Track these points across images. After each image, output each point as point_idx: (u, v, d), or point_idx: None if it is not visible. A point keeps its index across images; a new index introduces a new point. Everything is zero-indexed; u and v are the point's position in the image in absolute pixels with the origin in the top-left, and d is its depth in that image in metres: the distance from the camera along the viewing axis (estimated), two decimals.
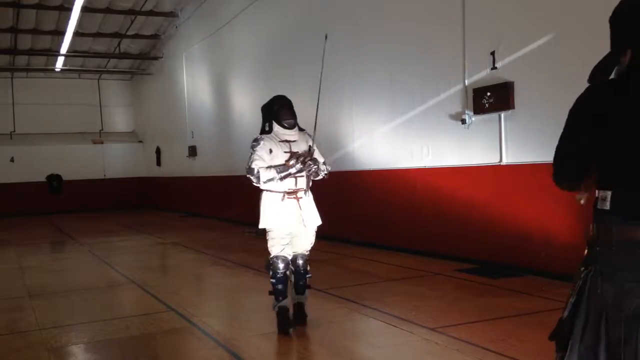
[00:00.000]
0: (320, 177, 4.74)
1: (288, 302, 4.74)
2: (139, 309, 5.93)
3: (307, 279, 4.85)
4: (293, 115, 4.75)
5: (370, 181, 9.22)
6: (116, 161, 23.19)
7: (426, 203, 8.04)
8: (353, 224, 9.67)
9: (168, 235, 12.75)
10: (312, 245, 4.86)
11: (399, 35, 8.44)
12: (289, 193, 4.65)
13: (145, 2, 16.37)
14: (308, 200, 4.75)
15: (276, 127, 4.70)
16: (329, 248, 9.37)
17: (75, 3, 14.19)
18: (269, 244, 4.72)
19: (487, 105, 6.84)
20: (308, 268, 4.83)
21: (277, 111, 4.72)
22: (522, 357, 3.81)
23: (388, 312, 5.12)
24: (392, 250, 8.52)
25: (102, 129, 23.54)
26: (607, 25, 2.01)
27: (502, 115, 6.76)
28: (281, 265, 4.66)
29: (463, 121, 7.23)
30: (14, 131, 21.86)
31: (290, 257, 4.73)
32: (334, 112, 10.25)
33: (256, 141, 4.68)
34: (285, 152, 4.63)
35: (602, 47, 5.84)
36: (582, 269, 1.99)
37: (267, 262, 4.73)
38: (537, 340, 4.17)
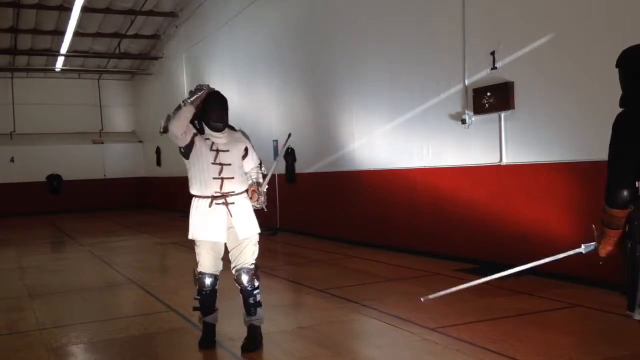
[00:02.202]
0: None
1: (215, 318, 4.35)
2: (139, 309, 5.93)
3: (257, 296, 4.25)
4: (224, 116, 4.16)
5: (370, 181, 9.22)
6: (116, 161, 23.20)
7: (426, 203, 8.04)
8: (353, 224, 9.67)
9: (168, 235, 12.75)
10: (255, 256, 4.26)
11: (399, 35, 8.43)
12: (216, 197, 4.12)
13: (145, 2, 16.37)
14: (242, 205, 4.21)
15: (205, 128, 4.17)
16: (329, 248, 9.38)
17: (75, 3, 14.19)
18: (197, 257, 4.26)
19: (487, 105, 6.84)
20: (256, 284, 4.24)
21: (208, 108, 4.13)
22: (522, 357, 3.81)
23: (388, 312, 5.12)
24: (392, 250, 8.52)
25: (102, 129, 23.55)
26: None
27: (502, 115, 6.76)
28: (208, 281, 4.22)
29: (463, 121, 7.23)
30: (14, 131, 21.88)
31: (218, 273, 4.28)
32: (334, 112, 10.25)
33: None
34: (212, 163, 4.12)
35: (601, 47, 5.88)
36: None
37: (193, 274, 4.32)
38: (537, 340, 4.17)
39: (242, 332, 4.67)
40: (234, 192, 4.16)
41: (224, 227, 4.15)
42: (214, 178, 4.13)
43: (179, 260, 9.68)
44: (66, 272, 8.57)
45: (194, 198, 4.24)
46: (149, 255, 10.41)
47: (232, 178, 4.15)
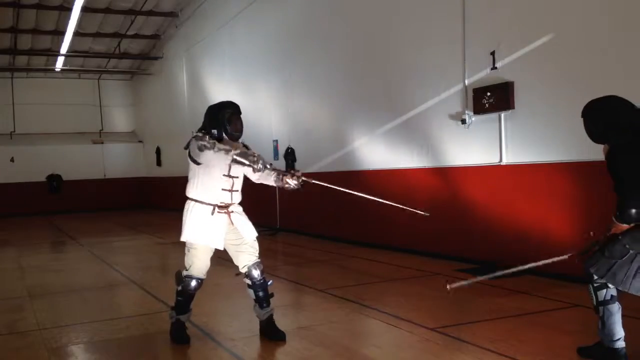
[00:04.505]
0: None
1: (188, 317, 4.49)
2: (139, 309, 5.93)
3: (269, 287, 4.45)
4: (242, 128, 4.31)
5: (370, 181, 9.21)
6: (116, 161, 23.19)
7: (426, 203, 8.02)
8: (353, 224, 9.67)
9: (168, 235, 12.73)
10: (258, 251, 4.45)
11: (399, 35, 8.44)
12: (220, 207, 4.24)
13: (145, 2, 16.37)
14: (239, 211, 4.39)
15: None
16: (329, 248, 9.37)
17: (75, 3, 14.19)
18: (188, 260, 4.35)
19: (487, 105, 6.84)
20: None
21: (229, 119, 4.22)
22: (522, 357, 3.81)
23: (388, 312, 5.12)
24: (392, 250, 8.52)
25: (102, 129, 23.55)
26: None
27: (502, 115, 6.76)
28: (193, 284, 4.34)
29: (463, 121, 7.23)
30: (14, 131, 21.86)
31: (204, 277, 4.41)
32: (334, 112, 10.26)
33: (204, 142, 4.00)
34: (225, 175, 4.21)
35: (601, 47, 5.87)
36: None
37: (178, 276, 4.41)
38: (537, 340, 4.17)
39: (242, 332, 4.69)
40: (236, 202, 4.35)
41: (224, 234, 4.30)
42: (223, 189, 4.26)
43: (179, 260, 9.61)
44: (66, 272, 8.57)
45: (191, 201, 4.32)
46: (149, 255, 10.40)
47: (238, 190, 4.35)
